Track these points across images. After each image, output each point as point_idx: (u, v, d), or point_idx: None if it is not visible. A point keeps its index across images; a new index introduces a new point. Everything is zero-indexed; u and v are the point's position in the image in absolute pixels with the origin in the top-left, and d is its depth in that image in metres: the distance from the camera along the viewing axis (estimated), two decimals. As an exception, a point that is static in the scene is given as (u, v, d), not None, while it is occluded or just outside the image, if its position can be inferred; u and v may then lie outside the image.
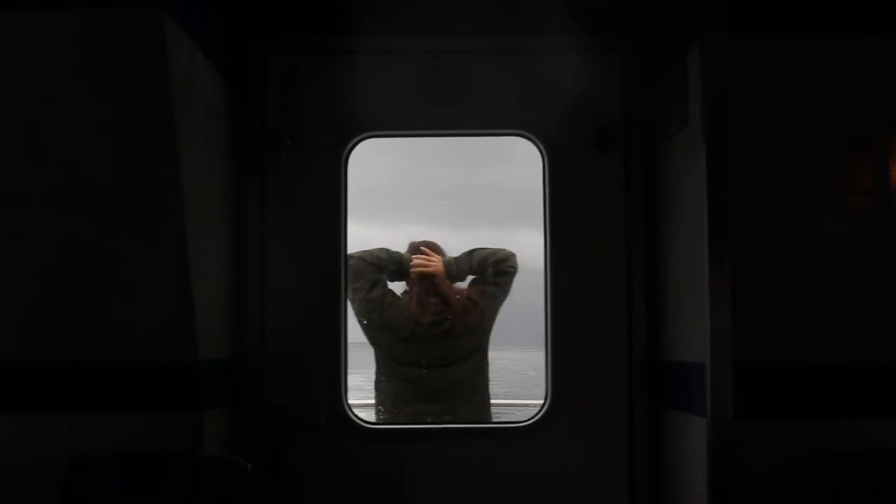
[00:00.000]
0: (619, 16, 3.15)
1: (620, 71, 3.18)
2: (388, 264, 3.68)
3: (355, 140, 3.18)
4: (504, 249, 3.69)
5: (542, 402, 3.17)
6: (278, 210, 3.15)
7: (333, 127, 3.17)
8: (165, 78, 2.42)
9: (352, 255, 3.47)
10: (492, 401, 3.78)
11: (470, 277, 3.73)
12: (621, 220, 3.15)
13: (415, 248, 3.74)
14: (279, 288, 3.13)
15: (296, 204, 3.15)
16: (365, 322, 3.64)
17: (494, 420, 3.86)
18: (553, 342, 3.14)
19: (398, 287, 3.75)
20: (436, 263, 3.69)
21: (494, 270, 3.67)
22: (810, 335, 2.55)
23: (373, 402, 3.69)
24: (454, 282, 3.71)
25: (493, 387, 3.76)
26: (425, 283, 3.67)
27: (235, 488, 2.48)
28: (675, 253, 2.93)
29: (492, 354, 3.73)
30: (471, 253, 3.72)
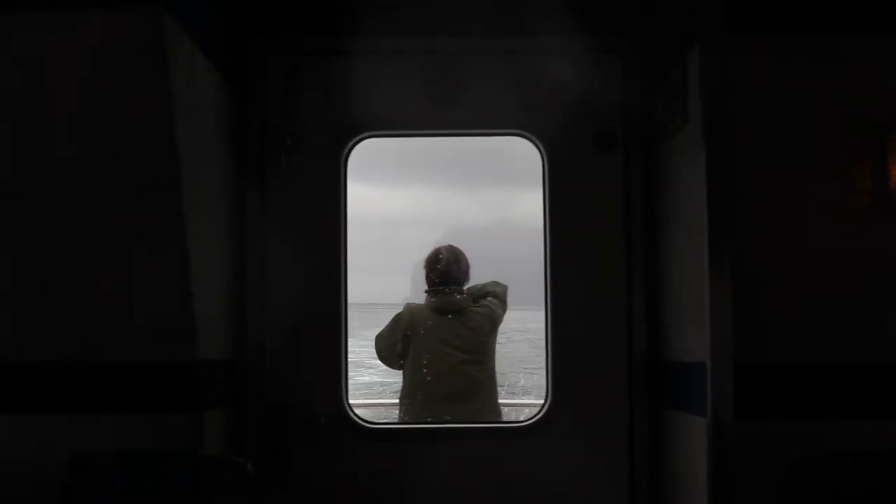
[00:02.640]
0: (619, 15, 3.15)
1: (620, 71, 3.18)
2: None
3: (355, 140, 3.18)
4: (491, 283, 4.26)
5: (542, 402, 3.18)
6: (278, 210, 3.15)
7: (333, 127, 3.17)
8: (165, 78, 2.42)
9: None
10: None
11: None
12: (621, 220, 3.15)
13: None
14: (279, 288, 3.13)
15: (296, 204, 3.15)
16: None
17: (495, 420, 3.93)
18: (553, 342, 3.14)
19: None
20: None
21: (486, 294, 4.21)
22: (810, 335, 2.55)
23: (374, 401, 3.81)
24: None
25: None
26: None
27: (235, 488, 2.48)
28: (675, 253, 2.93)
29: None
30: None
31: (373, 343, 4.18)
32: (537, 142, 3.19)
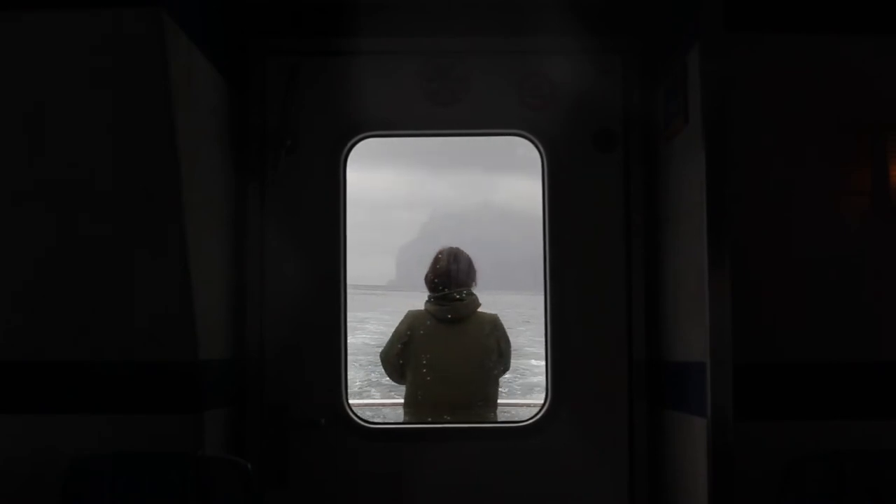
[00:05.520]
0: (619, 15, 3.15)
1: (620, 71, 3.18)
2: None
3: (355, 140, 3.18)
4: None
5: (542, 402, 3.18)
6: (278, 210, 3.15)
7: (333, 127, 3.17)
8: (165, 78, 2.42)
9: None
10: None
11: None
12: (621, 220, 3.16)
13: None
14: (279, 288, 3.13)
15: (296, 204, 3.15)
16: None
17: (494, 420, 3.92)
18: (553, 342, 3.14)
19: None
20: None
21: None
22: (810, 335, 2.55)
23: (373, 401, 3.78)
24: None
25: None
26: None
27: (235, 488, 2.48)
28: (675, 253, 2.93)
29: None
30: None
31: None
32: (537, 142, 3.19)
